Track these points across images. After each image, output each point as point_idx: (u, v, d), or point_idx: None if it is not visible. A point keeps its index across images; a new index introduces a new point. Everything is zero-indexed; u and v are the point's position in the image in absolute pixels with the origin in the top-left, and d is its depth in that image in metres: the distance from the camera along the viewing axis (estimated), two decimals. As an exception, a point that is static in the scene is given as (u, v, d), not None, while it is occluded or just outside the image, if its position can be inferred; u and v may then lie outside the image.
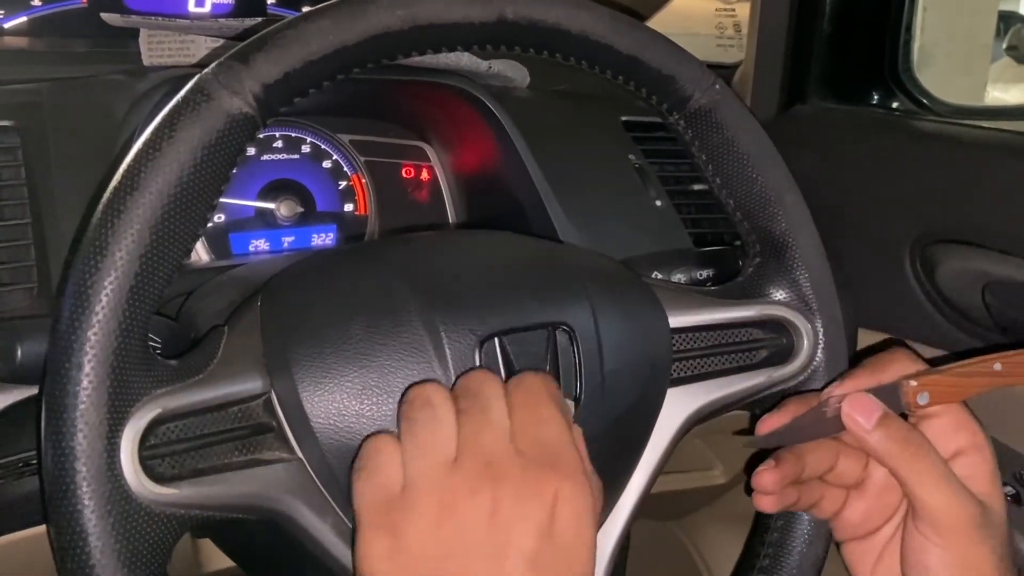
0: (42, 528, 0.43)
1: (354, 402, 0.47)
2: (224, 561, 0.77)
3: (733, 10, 1.27)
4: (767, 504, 0.52)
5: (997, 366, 0.50)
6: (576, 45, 0.52)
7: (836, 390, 0.52)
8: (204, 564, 0.77)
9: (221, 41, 0.77)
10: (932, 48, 1.06)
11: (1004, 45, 1.55)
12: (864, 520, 0.54)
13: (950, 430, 0.51)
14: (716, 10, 1.28)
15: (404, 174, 0.89)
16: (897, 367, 0.51)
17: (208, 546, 0.76)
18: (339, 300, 0.49)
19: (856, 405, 0.49)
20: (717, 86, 0.55)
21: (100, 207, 0.41)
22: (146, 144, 0.42)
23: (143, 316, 0.41)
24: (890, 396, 0.50)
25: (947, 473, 0.49)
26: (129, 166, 0.42)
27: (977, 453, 0.51)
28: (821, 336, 0.58)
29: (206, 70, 0.44)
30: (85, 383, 0.39)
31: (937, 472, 0.48)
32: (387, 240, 0.81)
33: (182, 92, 0.43)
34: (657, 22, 1.10)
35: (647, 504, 0.58)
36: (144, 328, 0.42)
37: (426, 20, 0.47)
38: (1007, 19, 1.58)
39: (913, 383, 0.49)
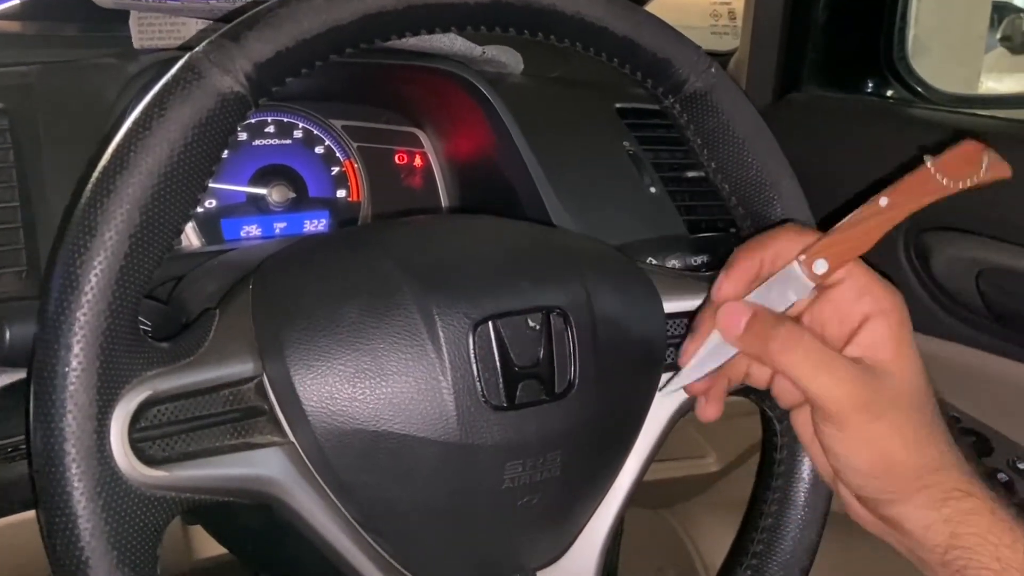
0: (32, 513, 0.42)
1: (347, 386, 0.46)
2: (215, 548, 0.77)
3: (728, -2, 1.26)
4: (712, 413, 0.53)
5: (883, 201, 0.49)
6: (571, 27, 0.51)
7: (721, 292, 0.51)
8: (196, 551, 0.77)
9: (212, 22, 0.76)
10: (927, 37, 1.06)
11: (998, 35, 1.55)
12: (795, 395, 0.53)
13: (852, 298, 0.49)
14: (711, -2, 1.27)
15: (397, 160, 0.89)
16: (783, 247, 0.50)
17: (199, 533, 0.76)
18: (332, 283, 0.49)
19: (722, 319, 0.49)
20: (713, 69, 0.55)
21: (89, 187, 0.41)
22: (136, 123, 0.41)
23: (133, 297, 0.41)
24: (788, 281, 0.49)
25: (821, 358, 0.48)
26: (119, 145, 0.41)
27: (880, 319, 0.49)
28: None
29: (197, 48, 0.43)
30: (74, 364, 0.39)
31: (810, 360, 0.47)
32: (381, 224, 0.81)
33: (172, 71, 0.43)
34: (652, 8, 1.09)
35: (640, 492, 0.58)
36: (134, 309, 0.41)
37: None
38: (1001, 9, 1.58)
39: (803, 257, 0.48)
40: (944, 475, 0.48)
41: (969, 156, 0.48)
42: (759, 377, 0.54)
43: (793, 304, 0.50)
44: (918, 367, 0.49)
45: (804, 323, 0.51)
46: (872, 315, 0.49)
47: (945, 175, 0.48)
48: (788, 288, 0.49)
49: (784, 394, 0.53)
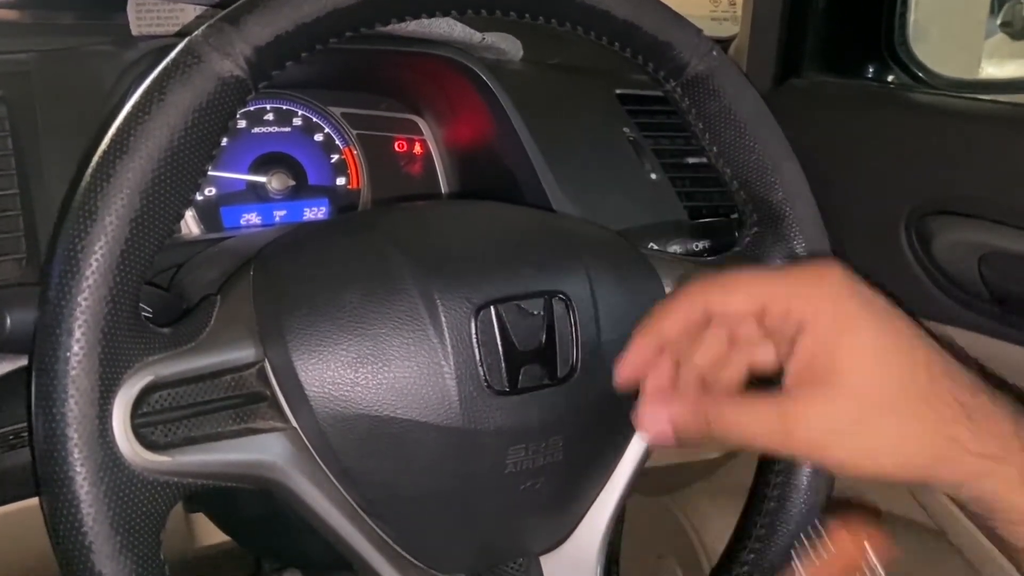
0: (34, 501, 0.42)
1: (348, 371, 0.46)
2: (217, 536, 0.77)
3: (727, -16, 1.26)
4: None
5: None
6: (572, 10, 0.51)
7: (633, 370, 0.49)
8: (198, 538, 0.77)
9: (209, 8, 0.76)
10: (927, 23, 1.05)
11: (998, 21, 1.54)
12: None
13: (778, 319, 0.45)
14: (710, -16, 1.27)
15: (397, 148, 0.88)
16: (675, 322, 0.47)
17: (202, 520, 0.76)
18: (333, 268, 0.49)
19: (649, 435, 0.48)
20: (714, 52, 0.54)
21: (89, 171, 0.41)
22: (136, 107, 0.41)
23: (134, 282, 0.41)
24: None
25: (748, 416, 0.45)
26: (118, 130, 0.41)
27: (806, 333, 0.44)
28: None
29: (196, 32, 0.43)
30: (76, 348, 0.39)
31: (741, 422, 0.45)
32: (381, 209, 0.80)
33: (172, 55, 0.42)
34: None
35: (640, 478, 0.58)
36: (135, 294, 0.41)
37: None
38: (1001, -5, 1.57)
39: None
40: (952, 465, 0.43)
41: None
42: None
43: None
44: (873, 366, 0.43)
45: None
46: (802, 327, 0.44)
47: None
48: None
49: None
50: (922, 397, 0.43)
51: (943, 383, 0.43)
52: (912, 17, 1.02)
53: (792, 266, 0.47)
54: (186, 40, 0.43)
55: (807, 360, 0.44)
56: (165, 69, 0.42)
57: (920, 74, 1.00)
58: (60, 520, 0.40)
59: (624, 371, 0.49)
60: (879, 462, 0.43)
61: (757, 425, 0.44)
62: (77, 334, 0.39)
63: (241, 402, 0.45)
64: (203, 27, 0.43)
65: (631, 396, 0.56)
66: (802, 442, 0.43)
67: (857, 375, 0.43)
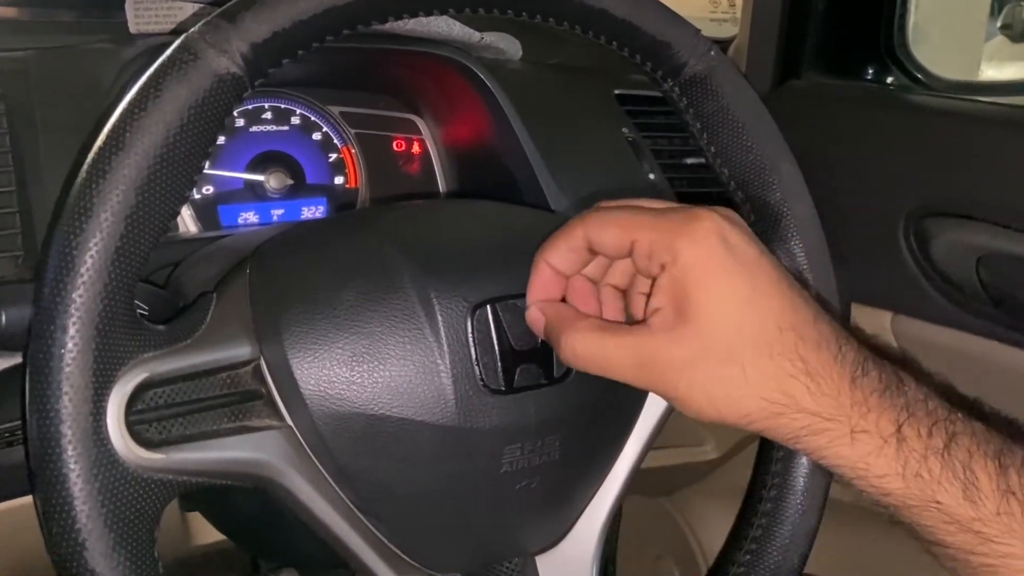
0: (29, 498, 0.42)
1: (344, 369, 0.46)
2: (213, 535, 0.76)
3: (727, -15, 1.26)
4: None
5: None
6: (570, 10, 0.51)
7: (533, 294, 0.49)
8: (193, 537, 0.77)
9: (207, 6, 0.75)
10: (927, 24, 1.05)
11: (999, 24, 1.54)
12: None
13: (643, 258, 0.46)
14: (710, -15, 1.27)
15: (395, 147, 0.88)
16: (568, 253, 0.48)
17: (197, 519, 0.76)
18: (330, 266, 0.49)
19: (530, 323, 0.49)
20: (712, 52, 0.54)
21: (85, 167, 0.40)
22: (131, 103, 0.41)
23: (129, 279, 0.41)
24: None
25: (608, 345, 0.46)
26: (114, 126, 0.41)
27: (664, 275, 0.45)
28: None
29: (193, 29, 0.43)
30: (70, 345, 0.39)
31: (583, 345, 0.46)
32: (379, 208, 0.80)
33: (168, 51, 0.42)
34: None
35: (637, 479, 0.58)
36: (130, 291, 0.41)
37: None
38: (1002, -2, 1.57)
39: None
40: (786, 419, 0.44)
41: None
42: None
43: None
44: (727, 314, 0.44)
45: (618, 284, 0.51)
46: (660, 273, 0.45)
47: None
48: None
49: None
50: (766, 350, 0.44)
51: (789, 338, 0.44)
52: (912, 19, 1.02)
53: (667, 209, 0.48)
54: (182, 37, 0.43)
55: (665, 300, 0.45)
56: (161, 66, 0.42)
57: (919, 76, 1.00)
58: (53, 517, 0.40)
59: (529, 297, 0.49)
60: (717, 408, 0.45)
61: (615, 353, 0.46)
62: (71, 331, 0.39)
63: (236, 400, 0.45)
64: (200, 24, 0.43)
65: (628, 397, 0.56)
66: (656, 377, 0.45)
67: (706, 321, 0.44)
